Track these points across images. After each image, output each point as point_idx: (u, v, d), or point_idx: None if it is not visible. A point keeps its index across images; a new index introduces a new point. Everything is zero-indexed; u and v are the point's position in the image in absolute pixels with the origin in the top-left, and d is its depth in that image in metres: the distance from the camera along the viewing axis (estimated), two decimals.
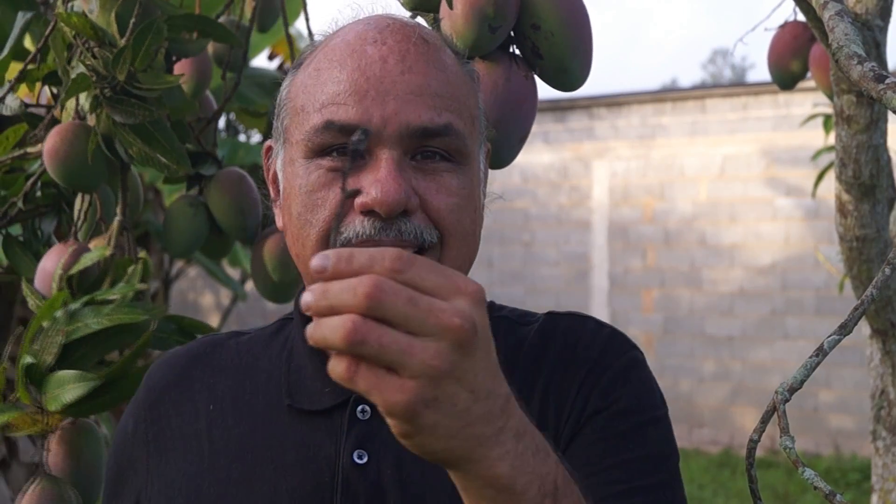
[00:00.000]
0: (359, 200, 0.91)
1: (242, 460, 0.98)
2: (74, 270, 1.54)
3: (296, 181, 0.96)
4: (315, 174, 0.94)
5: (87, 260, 1.54)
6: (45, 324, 1.42)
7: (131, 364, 1.39)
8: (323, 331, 0.66)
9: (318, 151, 0.95)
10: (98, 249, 1.57)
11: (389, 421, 0.68)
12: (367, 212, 0.91)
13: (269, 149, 1.06)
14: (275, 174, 1.05)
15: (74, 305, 1.44)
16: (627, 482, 0.87)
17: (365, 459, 0.95)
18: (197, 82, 1.93)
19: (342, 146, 0.94)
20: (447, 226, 0.95)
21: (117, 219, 1.64)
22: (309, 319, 1.04)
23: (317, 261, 0.66)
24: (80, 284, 1.56)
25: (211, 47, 2.03)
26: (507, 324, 1.06)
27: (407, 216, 0.92)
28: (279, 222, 1.04)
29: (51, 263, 1.59)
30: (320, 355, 1.00)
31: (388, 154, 0.92)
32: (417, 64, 0.95)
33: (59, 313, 1.42)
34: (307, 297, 0.66)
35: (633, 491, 0.90)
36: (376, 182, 0.90)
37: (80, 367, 1.42)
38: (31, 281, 1.61)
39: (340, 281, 0.66)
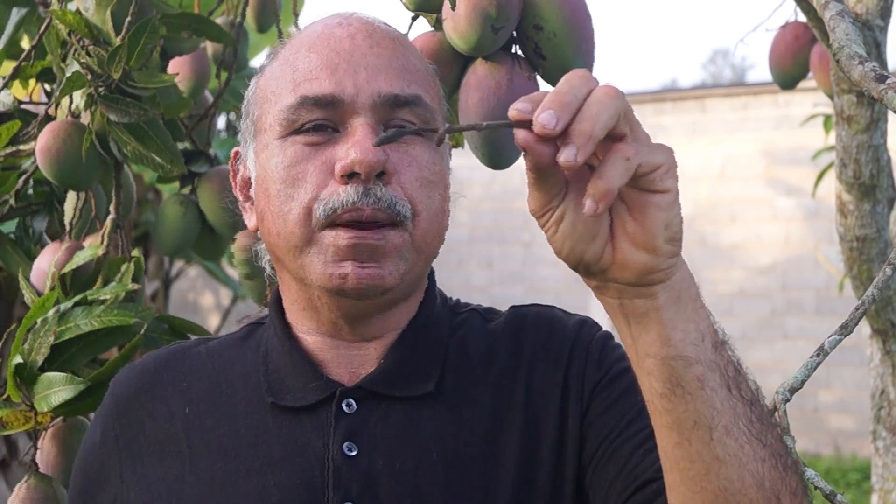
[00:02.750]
0: (338, 166, 0.93)
1: (226, 460, 0.98)
2: (67, 269, 1.54)
3: (271, 162, 0.97)
4: (292, 149, 0.96)
5: (79, 258, 1.54)
6: (37, 323, 1.42)
7: (120, 366, 1.39)
8: (600, 104, 0.70)
9: (294, 129, 0.96)
10: (91, 248, 1.57)
11: (670, 181, 0.73)
12: (348, 178, 0.93)
13: (237, 154, 1.08)
14: (244, 179, 1.06)
15: (65, 305, 1.44)
16: (649, 426, 0.89)
17: (355, 452, 0.96)
18: (196, 82, 1.93)
19: (317, 123, 0.95)
20: (419, 200, 0.96)
21: (111, 217, 1.64)
22: (284, 321, 1.04)
23: (545, 118, 0.69)
24: (73, 283, 1.56)
25: (211, 48, 2.02)
26: (478, 317, 1.09)
27: (383, 183, 0.94)
28: (250, 224, 1.05)
29: (45, 262, 1.59)
30: (300, 353, 1.01)
31: (363, 120, 0.94)
32: (384, 41, 0.99)
33: (49, 313, 1.42)
34: (546, 116, 0.69)
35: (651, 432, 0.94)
36: (354, 144, 0.92)
37: (70, 366, 1.43)
38: (27, 277, 1.61)
39: (571, 86, 0.71)
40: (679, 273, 0.77)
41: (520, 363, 1.03)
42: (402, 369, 1.00)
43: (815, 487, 0.71)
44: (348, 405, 0.98)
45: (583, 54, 1.24)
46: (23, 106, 1.72)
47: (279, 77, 0.99)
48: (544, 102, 0.70)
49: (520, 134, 0.70)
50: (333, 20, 1.01)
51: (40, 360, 1.39)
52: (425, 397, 1.00)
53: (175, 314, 1.62)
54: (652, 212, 0.73)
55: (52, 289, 1.52)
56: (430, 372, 1.01)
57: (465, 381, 1.02)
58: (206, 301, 9.62)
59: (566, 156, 0.68)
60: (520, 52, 1.27)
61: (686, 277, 0.78)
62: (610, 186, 0.70)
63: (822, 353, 0.77)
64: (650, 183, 0.73)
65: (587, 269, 0.77)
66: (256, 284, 1.87)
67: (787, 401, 0.77)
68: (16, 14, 1.84)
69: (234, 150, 1.08)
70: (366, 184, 0.92)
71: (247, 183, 1.05)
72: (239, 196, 1.07)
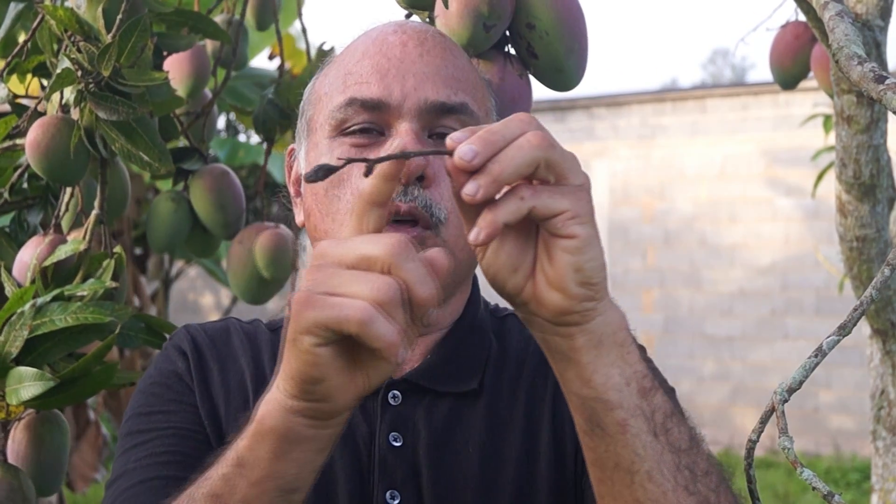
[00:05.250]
0: None
1: None
2: (48, 262, 1.54)
3: (320, 161, 1.01)
4: (339, 150, 1.00)
5: (61, 252, 1.55)
6: (14, 315, 1.42)
7: (93, 364, 1.39)
8: (519, 150, 0.72)
9: (342, 129, 1.01)
10: (73, 242, 1.57)
11: (576, 227, 0.74)
12: None
13: (292, 151, 1.12)
14: (296, 175, 1.11)
15: (43, 299, 1.45)
16: None
17: (400, 442, 1.00)
18: (195, 80, 1.93)
19: (364, 126, 1.00)
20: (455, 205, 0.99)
21: (94, 212, 1.64)
22: None
23: (463, 150, 0.71)
24: (54, 276, 1.56)
25: (210, 46, 2.02)
26: (516, 321, 1.13)
27: (423, 186, 0.98)
28: (298, 219, 1.09)
29: (28, 254, 1.59)
30: None
31: (407, 126, 0.98)
32: (435, 49, 1.03)
33: (26, 307, 1.42)
34: (466, 150, 0.71)
35: None
36: (397, 148, 0.96)
37: (44, 360, 1.44)
38: (10, 270, 1.61)
39: (505, 128, 0.74)
40: (602, 318, 0.78)
41: (548, 364, 1.06)
42: (447, 366, 1.05)
43: (814, 488, 0.71)
44: (394, 397, 1.02)
45: (575, 53, 1.24)
46: (19, 100, 1.72)
47: (333, 79, 1.04)
48: (472, 137, 0.72)
49: (447, 160, 0.73)
50: (389, 27, 1.05)
51: (14, 352, 1.40)
52: (468, 394, 1.04)
53: (175, 314, 1.63)
54: (559, 254, 0.75)
55: (33, 281, 1.52)
56: (474, 370, 1.05)
57: (504, 382, 1.06)
58: (206, 301, 9.62)
59: (466, 189, 0.71)
60: (512, 50, 1.27)
61: (612, 322, 0.78)
62: (495, 220, 0.72)
63: (820, 353, 0.77)
64: (553, 227, 0.74)
65: (510, 299, 0.79)
66: (252, 286, 1.86)
67: (786, 401, 0.77)
68: (13, 9, 1.84)
69: (290, 146, 1.13)
70: (405, 185, 0.97)
71: (299, 179, 1.10)
72: (291, 191, 1.12)
